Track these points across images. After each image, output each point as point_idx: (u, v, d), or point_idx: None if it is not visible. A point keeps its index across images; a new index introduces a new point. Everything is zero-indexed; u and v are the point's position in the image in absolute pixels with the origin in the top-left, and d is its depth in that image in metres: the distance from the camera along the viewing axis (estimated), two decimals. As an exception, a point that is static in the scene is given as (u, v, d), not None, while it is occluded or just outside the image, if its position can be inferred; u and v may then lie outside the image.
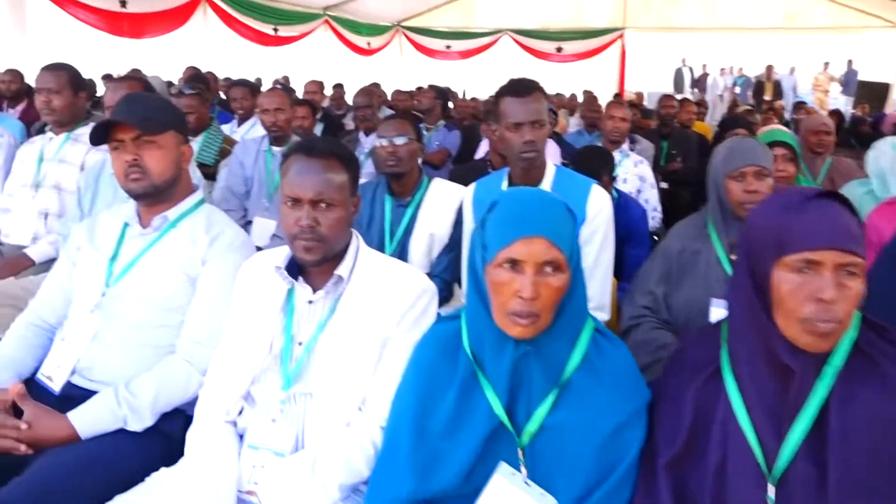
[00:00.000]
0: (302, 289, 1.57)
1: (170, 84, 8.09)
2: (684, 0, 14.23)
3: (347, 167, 1.56)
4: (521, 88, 2.17)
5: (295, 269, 1.58)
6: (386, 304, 1.53)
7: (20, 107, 5.65)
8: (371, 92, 4.57)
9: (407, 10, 15.33)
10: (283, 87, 6.16)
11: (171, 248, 1.77)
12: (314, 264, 1.53)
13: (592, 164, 2.78)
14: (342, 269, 1.55)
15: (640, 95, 12.94)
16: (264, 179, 3.56)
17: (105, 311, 1.73)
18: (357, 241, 1.61)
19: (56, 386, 1.66)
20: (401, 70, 15.58)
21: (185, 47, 10.49)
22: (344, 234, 1.56)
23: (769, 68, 14.35)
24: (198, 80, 5.00)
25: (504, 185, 2.33)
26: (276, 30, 12.15)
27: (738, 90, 17.82)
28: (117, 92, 2.64)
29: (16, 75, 5.69)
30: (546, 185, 2.26)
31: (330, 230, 1.51)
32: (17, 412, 1.54)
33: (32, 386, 1.68)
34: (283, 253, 1.62)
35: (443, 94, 5.32)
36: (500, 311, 1.20)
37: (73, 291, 1.83)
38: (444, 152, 5.21)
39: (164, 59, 10.65)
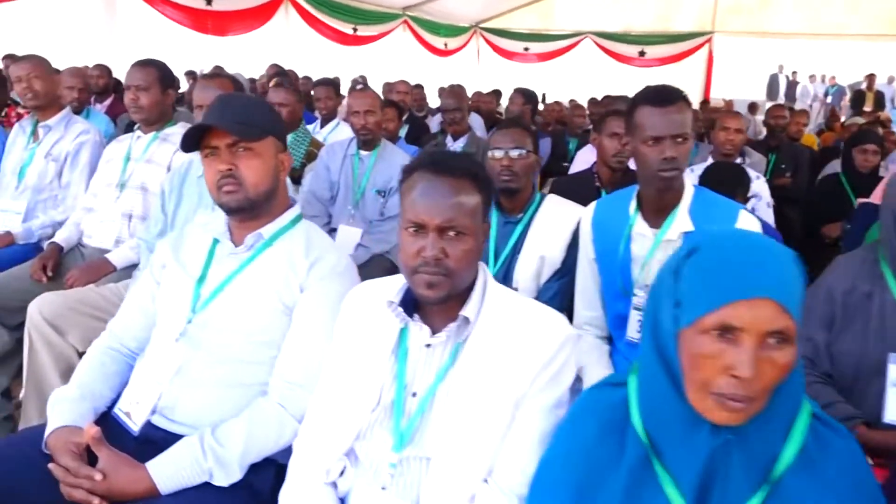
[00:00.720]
0: (418, 329, 1.33)
1: (252, 81, 8.08)
2: (779, 4, 13.47)
3: (481, 189, 1.30)
4: (663, 97, 1.87)
5: (411, 305, 1.33)
6: (520, 355, 1.26)
7: (107, 101, 5.65)
8: (460, 94, 4.32)
9: (485, 11, 15.08)
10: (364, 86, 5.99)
11: (265, 271, 1.56)
12: (437, 302, 1.28)
13: (726, 183, 2.44)
14: (469, 310, 1.29)
15: (729, 103, 12.30)
16: (350, 185, 3.36)
17: (191, 340, 1.53)
18: (485, 275, 1.35)
19: (135, 425, 1.46)
20: (478, 72, 15.35)
21: (267, 46, 10.55)
22: (473, 267, 1.31)
23: (871, 77, 13.45)
24: (282, 77, 4.85)
25: (632, 208, 2.04)
26: (355, 29, 12.12)
27: (829, 100, 16.90)
28: (206, 91, 2.47)
29: (104, 70, 5.69)
30: (683, 209, 1.96)
31: (458, 263, 1.26)
32: (91, 457, 1.34)
33: (108, 421, 1.49)
34: (395, 285, 1.37)
35: (531, 98, 5.03)
36: (700, 389, 0.93)
37: (157, 315, 1.63)
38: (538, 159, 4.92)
39: (246, 57, 10.75)
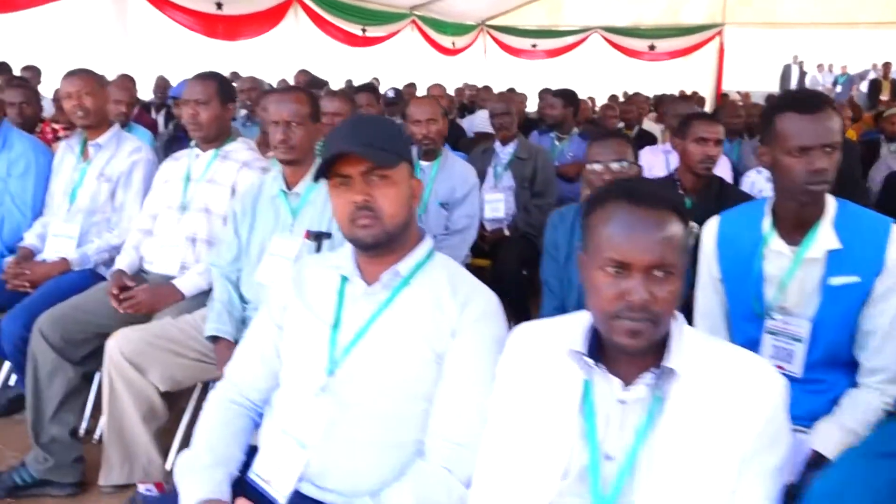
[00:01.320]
0: (606, 382, 1.17)
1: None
2: (793, -7, 13.33)
3: (684, 222, 1.15)
4: (810, 103, 1.72)
5: (596, 352, 1.18)
6: (737, 410, 1.11)
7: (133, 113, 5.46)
8: (511, 98, 4.17)
9: (492, 8, 14.93)
10: (390, 90, 5.82)
11: (409, 313, 1.40)
12: (637, 352, 1.12)
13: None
14: (674, 360, 1.14)
15: (746, 95, 12.15)
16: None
17: (334, 395, 1.37)
18: (681, 319, 1.20)
19: (281, 496, 1.30)
20: (485, 70, 15.22)
21: (276, 48, 10.44)
22: (673, 310, 1.16)
23: (886, 66, 13.31)
24: (315, 85, 4.69)
25: (766, 224, 1.88)
26: (364, 30, 12.01)
27: (839, 89, 16.76)
28: (282, 105, 2.29)
29: (131, 81, 5.50)
30: (827, 224, 1.80)
31: (666, 307, 1.11)
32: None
33: (246, 489, 1.33)
34: (570, 328, 1.22)
35: (572, 99, 4.87)
36: None
37: (284, 366, 1.47)
38: (580, 165, 4.76)
39: (256, 61, 10.61)
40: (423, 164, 3.23)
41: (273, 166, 2.50)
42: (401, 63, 12.75)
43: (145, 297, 2.46)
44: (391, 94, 5.39)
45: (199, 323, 2.29)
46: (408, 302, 1.41)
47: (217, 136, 2.69)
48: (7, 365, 2.98)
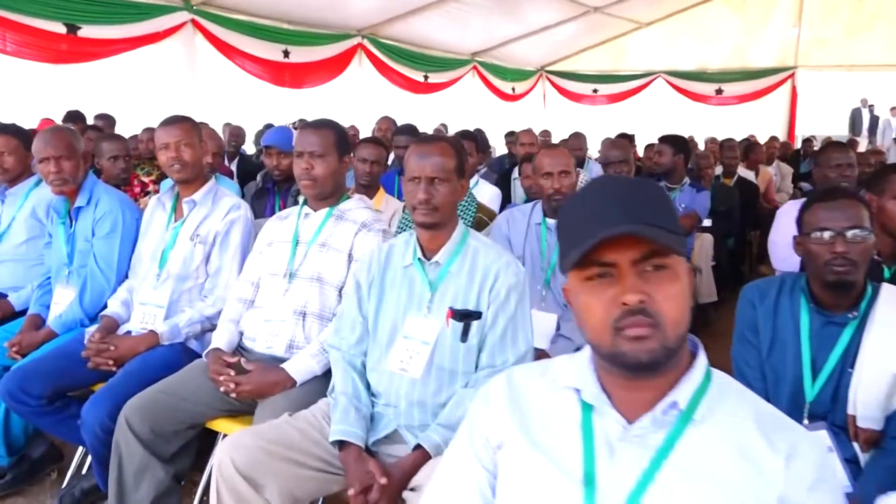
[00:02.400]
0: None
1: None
2: (865, 34, 12.76)
3: None
4: None
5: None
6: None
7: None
8: (626, 145, 3.76)
9: (552, 54, 14.72)
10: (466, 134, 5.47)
11: (700, 468, 0.96)
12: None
13: None
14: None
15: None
16: (538, 261, 2.80)
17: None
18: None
19: None
20: (544, 115, 14.97)
21: (340, 95, 10.37)
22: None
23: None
24: (410, 132, 4.36)
25: None
26: (426, 77, 11.92)
27: (919, 134, 15.98)
28: (425, 159, 1.90)
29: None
30: None
31: None
32: None
33: None
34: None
35: (682, 146, 4.44)
36: None
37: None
38: (694, 217, 4.31)
39: (320, 107, 10.56)
40: (550, 221, 2.82)
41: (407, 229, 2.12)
42: (462, 108, 12.61)
43: (253, 384, 2.08)
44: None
45: (320, 422, 1.89)
46: (696, 450, 0.97)
47: (332, 193, 2.34)
48: (81, 449, 2.63)
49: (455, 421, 1.79)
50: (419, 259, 1.96)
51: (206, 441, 2.36)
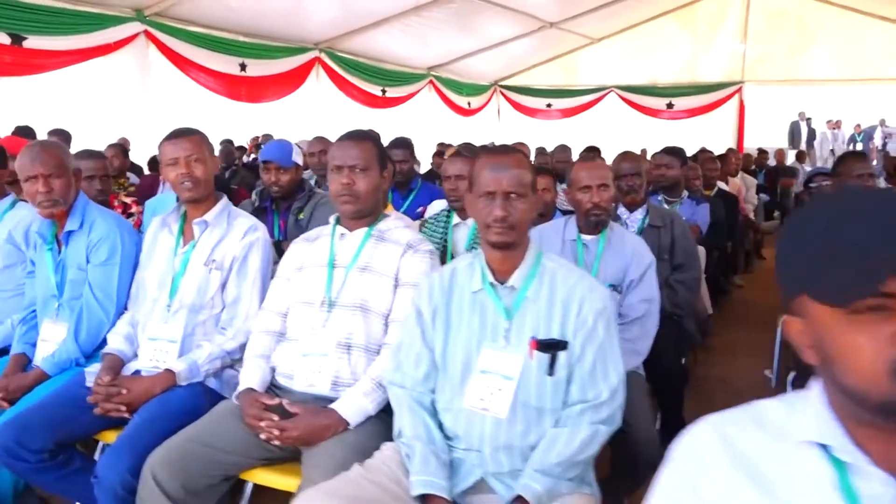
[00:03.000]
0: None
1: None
2: (811, 50, 13.22)
3: None
4: None
5: None
6: None
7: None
8: (638, 158, 3.65)
9: (506, 68, 14.78)
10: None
11: None
12: None
13: None
14: None
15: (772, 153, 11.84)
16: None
17: None
18: None
19: None
20: (499, 130, 14.99)
21: (297, 109, 10.13)
22: None
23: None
24: (405, 145, 4.16)
25: None
26: (384, 91, 11.77)
27: (860, 146, 16.68)
28: (502, 171, 1.71)
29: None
30: None
31: None
32: None
33: None
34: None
35: (683, 156, 4.38)
36: None
37: None
38: (697, 230, 4.24)
39: (277, 122, 10.30)
40: (586, 237, 2.67)
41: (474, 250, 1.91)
42: (419, 123, 12.50)
43: (301, 429, 1.84)
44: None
45: (395, 473, 1.67)
46: None
47: (372, 212, 2.12)
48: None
49: (551, 465, 1.60)
50: (490, 283, 1.77)
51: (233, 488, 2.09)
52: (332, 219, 2.20)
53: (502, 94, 15.42)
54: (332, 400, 1.95)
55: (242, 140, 8.95)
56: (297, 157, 3.21)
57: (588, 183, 2.57)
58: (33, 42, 6.46)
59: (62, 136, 5.39)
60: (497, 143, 9.23)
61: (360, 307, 2.03)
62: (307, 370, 2.01)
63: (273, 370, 2.10)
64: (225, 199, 2.41)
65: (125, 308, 2.44)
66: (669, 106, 14.29)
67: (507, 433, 1.67)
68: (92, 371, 2.23)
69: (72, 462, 2.11)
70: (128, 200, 3.42)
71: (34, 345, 2.44)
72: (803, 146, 16.84)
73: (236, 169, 8.26)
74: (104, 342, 2.37)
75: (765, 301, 5.68)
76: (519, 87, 15.30)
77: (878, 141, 18.00)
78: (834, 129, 18.18)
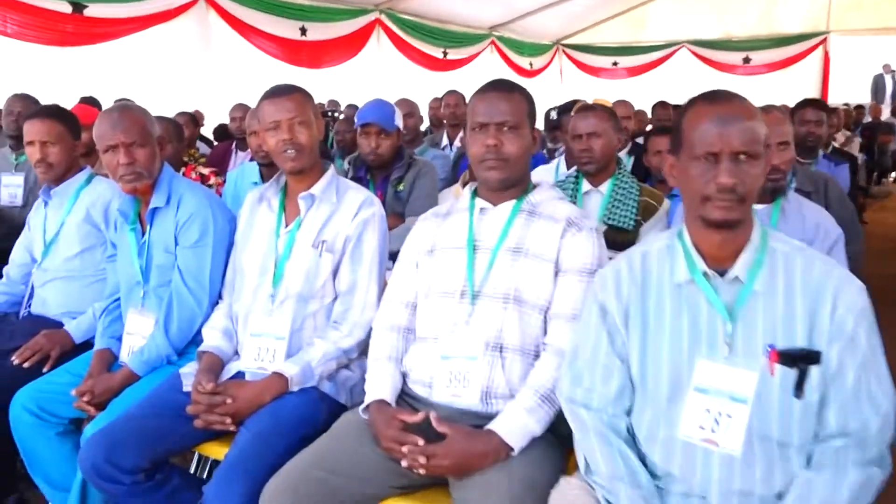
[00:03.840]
0: None
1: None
2: (902, -4, 12.15)
3: None
4: None
5: None
6: None
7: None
8: (780, 114, 3.13)
9: (568, 26, 14.08)
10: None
11: None
12: None
13: None
14: None
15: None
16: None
17: None
18: None
19: None
20: (562, 91, 14.35)
21: (358, 73, 9.79)
22: None
23: None
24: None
25: None
26: (445, 53, 11.33)
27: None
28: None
29: (247, 111, 4.62)
30: None
31: None
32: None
33: None
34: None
35: (829, 111, 3.81)
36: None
37: None
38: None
39: (338, 86, 9.98)
40: (757, 207, 2.20)
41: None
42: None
43: (454, 457, 1.47)
44: (553, 115, 4.38)
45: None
46: None
47: (521, 180, 1.72)
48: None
49: None
50: (703, 273, 1.35)
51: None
52: (467, 190, 1.80)
53: (565, 52, 14.74)
54: (481, 415, 1.58)
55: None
56: (399, 120, 2.81)
57: (768, 141, 2.10)
58: (94, 10, 6.27)
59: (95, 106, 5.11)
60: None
61: (514, 299, 1.64)
62: (450, 377, 1.64)
63: (404, 375, 1.74)
64: (332, 169, 2.03)
65: (220, 297, 2.10)
66: (746, 61, 13.42)
67: (744, 476, 1.26)
68: (188, 373, 1.91)
69: (169, 480, 1.80)
70: (206, 171, 3.09)
71: (119, 339, 2.14)
72: (888, 101, 15.69)
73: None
74: (197, 336, 2.05)
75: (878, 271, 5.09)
76: (582, 46, 14.61)
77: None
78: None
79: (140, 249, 2.12)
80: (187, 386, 1.86)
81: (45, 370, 2.13)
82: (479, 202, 1.75)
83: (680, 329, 1.35)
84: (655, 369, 1.36)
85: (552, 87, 14.27)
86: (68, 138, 2.38)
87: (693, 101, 1.38)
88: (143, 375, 2.01)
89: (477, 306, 1.66)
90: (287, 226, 1.98)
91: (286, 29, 8.39)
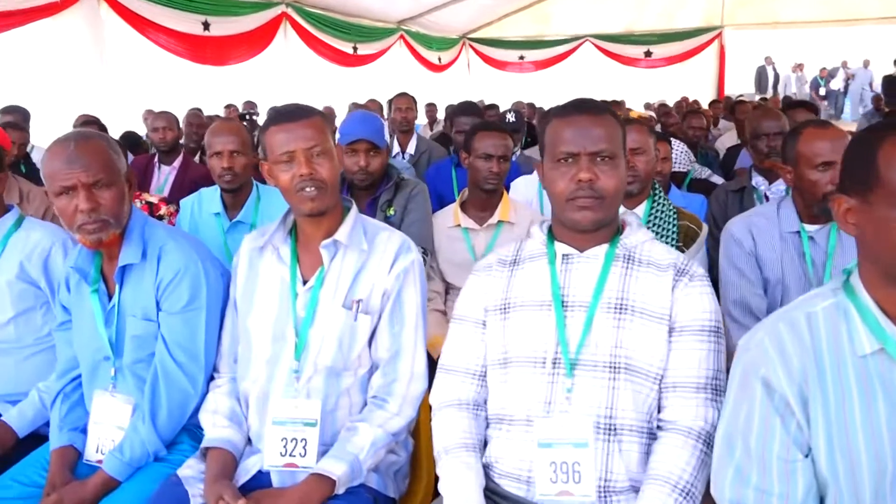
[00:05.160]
0: None
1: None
2: (791, -10, 12.81)
3: None
4: None
5: None
6: None
7: (176, 162, 4.01)
8: (780, 114, 3.00)
9: (474, 20, 13.97)
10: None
11: None
12: None
13: None
14: None
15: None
16: (804, 281, 2.00)
17: None
18: None
19: None
20: (469, 85, 14.24)
21: (264, 71, 9.26)
22: None
23: (903, 60, 12.88)
24: (472, 111, 3.40)
25: None
26: (355, 48, 10.91)
27: (822, 91, 16.60)
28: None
29: (171, 121, 4.06)
30: None
31: None
32: None
33: None
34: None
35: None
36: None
37: None
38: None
39: (243, 85, 9.39)
40: (811, 229, 2.01)
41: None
42: (391, 81, 11.71)
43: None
44: (512, 117, 4.13)
45: None
46: None
47: (613, 220, 1.42)
48: None
49: None
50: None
51: None
52: (541, 230, 1.48)
53: (472, 47, 14.61)
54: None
55: (211, 109, 7.93)
56: (387, 135, 2.44)
57: (831, 158, 1.90)
58: (-33, 6, 5.44)
59: (19, 115, 4.41)
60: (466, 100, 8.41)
61: (625, 367, 1.34)
62: (555, 470, 1.32)
63: (486, 468, 1.40)
64: (355, 209, 1.66)
65: (215, 370, 1.68)
66: (648, 54, 13.77)
67: None
68: (191, 476, 1.48)
69: None
70: (154, 199, 2.57)
71: (84, 430, 1.67)
72: (770, 91, 16.59)
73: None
74: (191, 419, 1.62)
75: None
76: (489, 40, 14.55)
77: (839, 83, 17.96)
78: (796, 71, 17.99)
79: (108, 317, 1.65)
80: (196, 498, 1.44)
81: (-20, 480, 1.64)
82: (561, 247, 1.44)
83: (876, 414, 1.10)
84: (852, 464, 1.10)
85: (460, 82, 14.10)
86: (-10, 173, 1.87)
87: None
88: (125, 481, 1.56)
89: (577, 378, 1.35)
90: (306, 282, 1.59)
91: (187, 23, 7.74)
